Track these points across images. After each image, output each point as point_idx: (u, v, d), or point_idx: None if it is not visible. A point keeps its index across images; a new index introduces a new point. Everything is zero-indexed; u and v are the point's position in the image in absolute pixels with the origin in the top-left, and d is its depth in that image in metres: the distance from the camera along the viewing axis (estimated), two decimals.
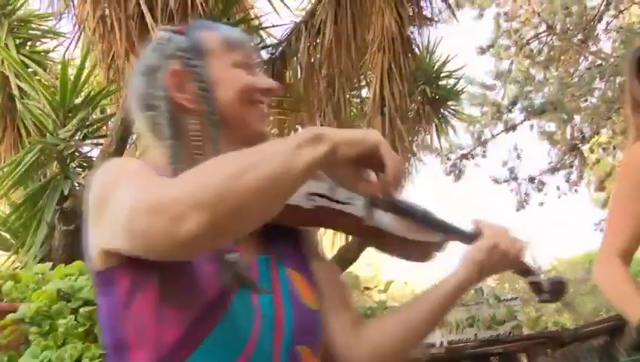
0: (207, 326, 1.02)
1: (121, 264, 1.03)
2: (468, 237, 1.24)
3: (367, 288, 5.04)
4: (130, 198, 0.94)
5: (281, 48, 6.25)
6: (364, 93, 8.08)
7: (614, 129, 9.88)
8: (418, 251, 1.21)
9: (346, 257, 6.08)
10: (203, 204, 0.87)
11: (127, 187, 0.97)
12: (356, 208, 1.14)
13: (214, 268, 1.04)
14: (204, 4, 5.04)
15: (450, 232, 1.22)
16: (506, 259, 1.23)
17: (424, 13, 7.73)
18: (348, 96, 7.66)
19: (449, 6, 7.77)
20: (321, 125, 6.84)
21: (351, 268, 6.99)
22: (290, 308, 1.10)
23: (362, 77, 7.81)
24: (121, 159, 1.22)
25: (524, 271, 1.27)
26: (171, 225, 0.88)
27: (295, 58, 6.30)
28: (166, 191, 0.92)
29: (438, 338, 5.38)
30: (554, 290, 1.27)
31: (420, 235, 1.17)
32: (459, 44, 10.69)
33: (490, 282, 17.24)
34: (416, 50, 8.11)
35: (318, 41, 6.25)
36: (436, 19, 8.39)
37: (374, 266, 17.08)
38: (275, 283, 1.12)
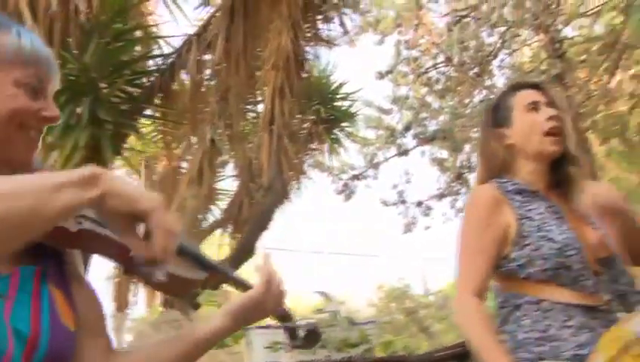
0: None
1: None
2: (241, 284, 1.28)
3: None
4: None
5: (171, 60, 6.26)
6: (260, 108, 8.18)
7: None
8: (183, 287, 1.23)
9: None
10: None
11: None
12: None
13: None
14: (89, 12, 5.02)
15: (224, 275, 1.28)
16: (266, 310, 1.26)
17: (322, 35, 7.94)
18: (243, 110, 7.74)
19: (346, 32, 7.99)
20: (212, 138, 6.88)
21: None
22: (48, 327, 1.03)
23: (258, 93, 7.90)
24: None
25: (283, 316, 1.32)
26: None
27: (184, 70, 6.33)
28: None
29: (287, 359, 5.46)
30: (307, 338, 1.32)
31: (189, 273, 1.19)
32: (360, 68, 10.98)
33: (370, 302, 17.46)
34: (313, 71, 8.29)
35: (208, 55, 6.31)
36: (336, 42, 8.62)
37: None
38: (35, 298, 1.05)
